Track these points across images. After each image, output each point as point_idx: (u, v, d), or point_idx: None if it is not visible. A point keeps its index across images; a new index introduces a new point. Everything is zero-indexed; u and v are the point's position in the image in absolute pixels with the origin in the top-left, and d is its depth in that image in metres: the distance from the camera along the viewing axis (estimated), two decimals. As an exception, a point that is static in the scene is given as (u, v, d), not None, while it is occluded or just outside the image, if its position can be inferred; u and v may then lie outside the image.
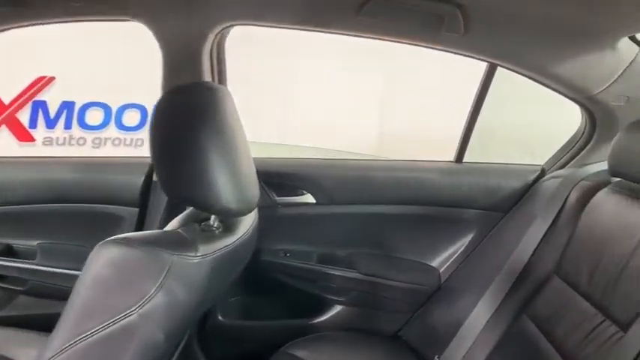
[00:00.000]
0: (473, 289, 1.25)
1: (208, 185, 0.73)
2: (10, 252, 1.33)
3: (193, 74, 1.13)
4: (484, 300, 1.18)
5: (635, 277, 0.87)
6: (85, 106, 2.46)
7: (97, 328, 0.60)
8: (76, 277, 0.66)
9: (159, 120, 0.76)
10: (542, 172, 1.40)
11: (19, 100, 2.36)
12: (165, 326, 0.70)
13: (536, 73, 1.18)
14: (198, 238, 0.76)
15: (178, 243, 0.73)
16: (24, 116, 2.40)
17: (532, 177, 1.39)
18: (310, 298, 1.43)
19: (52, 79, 2.36)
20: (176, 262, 0.69)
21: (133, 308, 0.63)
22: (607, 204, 1.04)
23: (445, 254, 1.44)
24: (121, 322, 0.61)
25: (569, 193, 1.16)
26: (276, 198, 1.39)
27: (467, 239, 1.43)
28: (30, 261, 1.31)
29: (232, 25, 1.14)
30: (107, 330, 0.60)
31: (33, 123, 2.41)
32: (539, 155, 1.46)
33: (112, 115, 2.48)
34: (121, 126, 2.50)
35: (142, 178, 1.30)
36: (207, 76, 1.16)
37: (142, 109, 2.46)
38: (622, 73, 1.12)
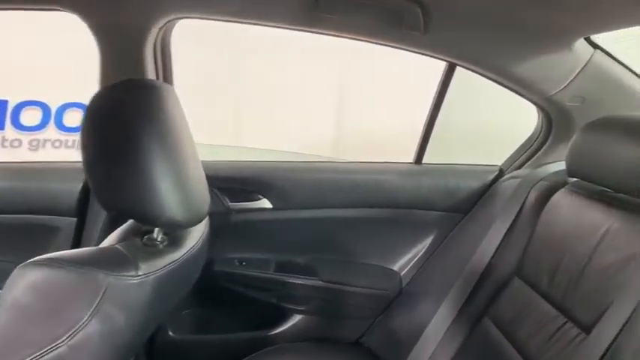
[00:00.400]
0: (434, 292, 1.24)
1: (150, 195, 0.66)
2: None
3: (134, 71, 1.04)
4: (446, 303, 1.17)
5: (595, 277, 0.87)
6: (20, 105, 2.27)
7: None
8: None
9: (91, 121, 0.67)
10: (501, 173, 1.40)
11: None
12: (102, 357, 0.61)
13: (495, 73, 1.17)
14: (140, 255, 0.68)
15: (116, 261, 0.64)
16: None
17: (490, 177, 1.39)
18: (268, 309, 1.37)
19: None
20: (113, 284, 0.60)
21: (62, 339, 0.55)
22: (565, 204, 1.04)
23: (406, 257, 1.42)
24: (48, 355, 0.53)
25: (527, 194, 1.16)
26: (230, 204, 1.31)
27: (427, 241, 1.41)
28: None
29: (178, 19, 1.06)
30: None
31: (-42, 124, 2.20)
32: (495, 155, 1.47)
33: (52, 115, 2.31)
34: (61, 127, 2.33)
35: (81, 185, 1.19)
36: (150, 74, 1.07)
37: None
38: (578, 74, 1.13)
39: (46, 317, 0.57)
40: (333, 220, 1.38)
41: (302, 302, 1.37)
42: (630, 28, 0.96)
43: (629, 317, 0.76)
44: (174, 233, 0.79)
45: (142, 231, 0.75)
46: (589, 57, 1.10)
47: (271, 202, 1.33)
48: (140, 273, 0.64)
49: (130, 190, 0.66)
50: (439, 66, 1.28)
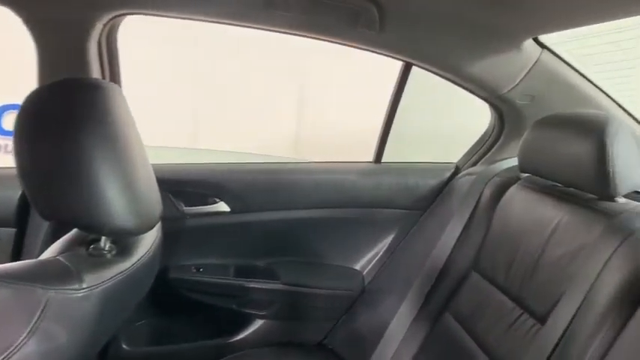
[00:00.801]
0: (396, 289, 1.24)
1: (95, 201, 0.61)
2: None
3: (77, 70, 0.98)
4: (407, 301, 1.18)
5: (548, 269, 0.89)
6: (-49, 107, 2.11)
7: None
8: None
9: (26, 123, 0.62)
10: (457, 170, 1.43)
11: None
12: None
13: (449, 72, 1.19)
14: (84, 266, 0.63)
15: (57, 274, 0.59)
16: None
17: (447, 175, 1.42)
18: (228, 315, 1.33)
19: None
20: (54, 299, 0.56)
21: None
22: (518, 199, 1.08)
23: (368, 256, 1.42)
24: None
25: (482, 190, 1.18)
26: (184, 208, 1.26)
27: (388, 239, 1.42)
28: None
29: (124, 15, 1.00)
30: None
31: None
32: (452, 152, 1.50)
33: (-11, 118, 2.16)
34: (0, 130, 2.18)
35: (20, 193, 1.11)
36: (95, 73, 1.01)
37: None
38: (527, 73, 1.16)
39: None
40: (294, 221, 1.36)
41: (263, 307, 1.34)
42: (575, 30, 1.01)
43: (580, 306, 0.78)
44: (124, 241, 0.74)
45: (87, 240, 0.70)
46: (537, 57, 1.14)
47: (228, 206, 1.29)
48: (84, 286, 0.59)
49: (71, 197, 0.61)
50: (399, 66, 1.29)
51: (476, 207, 1.18)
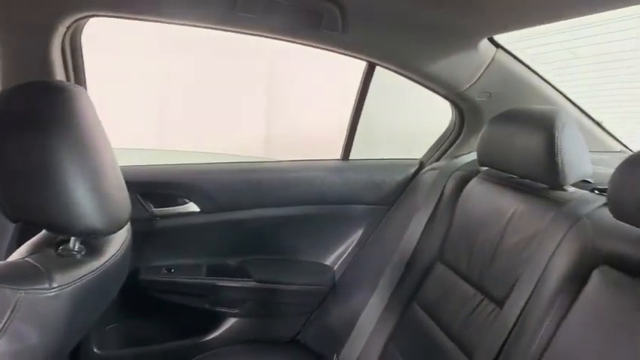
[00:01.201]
0: (366, 283, 1.27)
1: (64, 202, 0.62)
2: None
3: (40, 73, 0.96)
4: (377, 293, 1.21)
5: (506, 256, 0.94)
6: None
7: None
8: None
9: None
10: (421, 165, 1.48)
11: None
12: None
13: (410, 72, 1.24)
14: (54, 267, 0.62)
15: (26, 274, 0.59)
16: None
17: (412, 170, 1.46)
18: (201, 315, 1.33)
19: None
20: (24, 299, 0.56)
21: None
22: (478, 191, 1.13)
23: (338, 251, 1.45)
24: None
25: (445, 184, 1.23)
26: (154, 209, 1.26)
27: (357, 234, 1.46)
28: None
29: (88, 17, 1.00)
30: None
31: None
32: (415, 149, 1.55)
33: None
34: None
35: None
36: (59, 75, 1.00)
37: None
38: (484, 71, 1.22)
39: None
40: (264, 220, 1.38)
41: (236, 305, 1.35)
42: (527, 30, 1.07)
43: (534, 289, 0.84)
44: (93, 242, 0.74)
45: (56, 242, 0.70)
46: (493, 56, 1.20)
47: (198, 206, 1.30)
48: (55, 285, 0.59)
49: (39, 198, 0.61)
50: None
51: (439, 200, 1.23)
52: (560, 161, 0.89)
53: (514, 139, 0.99)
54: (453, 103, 1.37)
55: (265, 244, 1.40)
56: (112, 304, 1.25)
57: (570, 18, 0.99)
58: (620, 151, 1.37)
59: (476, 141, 1.13)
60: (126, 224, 0.79)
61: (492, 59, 1.20)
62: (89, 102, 0.71)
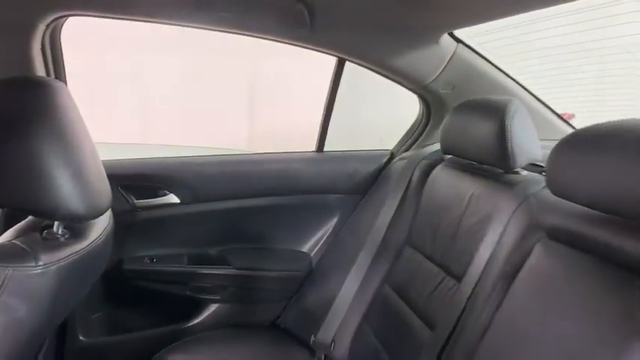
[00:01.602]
0: (341, 267, 1.33)
1: (48, 189, 0.66)
2: None
3: (21, 69, 1.00)
4: (350, 276, 1.27)
5: (464, 236, 1.02)
6: None
7: None
8: None
9: None
10: (392, 156, 1.55)
11: None
12: (4, 350, 0.62)
13: (378, 66, 1.30)
14: (40, 248, 0.67)
15: (14, 254, 0.64)
16: None
17: (384, 160, 1.53)
18: (183, 302, 1.38)
19: None
20: (12, 276, 0.61)
21: None
22: (442, 178, 1.20)
23: (314, 239, 1.51)
24: None
25: (412, 172, 1.30)
26: (135, 201, 1.31)
27: (332, 222, 1.52)
28: None
29: (66, 16, 1.04)
30: None
31: None
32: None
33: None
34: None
35: None
36: (39, 72, 1.04)
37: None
38: (446, 65, 1.29)
39: None
40: (243, 210, 1.43)
41: (217, 292, 1.40)
42: (486, 25, 1.13)
43: (486, 264, 0.91)
44: (76, 227, 0.79)
45: (41, 226, 0.75)
46: (454, 50, 1.27)
47: (178, 197, 1.34)
48: (40, 263, 0.64)
49: (24, 185, 0.66)
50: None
51: (407, 188, 1.30)
52: (510, 146, 0.96)
53: (471, 128, 1.06)
54: (420, 95, 1.44)
55: (244, 234, 1.45)
56: (97, 293, 1.31)
57: (524, 12, 1.05)
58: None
59: None
60: (106, 211, 0.84)
61: (454, 53, 1.27)
62: (69, 96, 0.75)
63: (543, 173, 0.99)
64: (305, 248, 1.51)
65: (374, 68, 1.30)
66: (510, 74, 1.34)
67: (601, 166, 0.67)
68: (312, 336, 1.26)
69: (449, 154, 1.20)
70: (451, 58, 1.28)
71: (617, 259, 0.67)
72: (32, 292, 0.65)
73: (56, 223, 0.73)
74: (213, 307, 1.41)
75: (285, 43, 1.17)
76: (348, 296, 1.26)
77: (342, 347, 1.24)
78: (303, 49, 1.23)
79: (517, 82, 1.35)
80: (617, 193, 0.65)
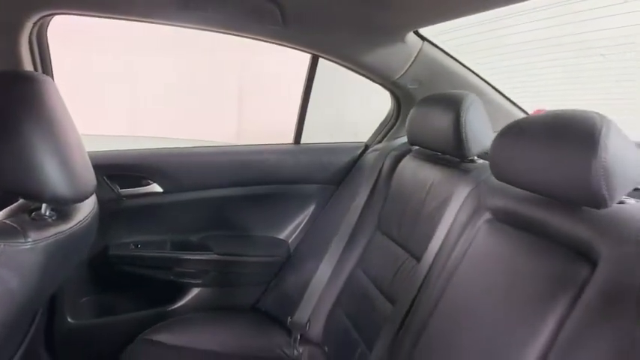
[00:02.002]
0: (316, 253, 1.40)
1: (37, 173, 0.73)
2: None
3: (9, 65, 1.06)
4: (325, 261, 1.35)
5: (425, 219, 1.10)
6: None
7: None
8: None
9: None
10: (366, 148, 1.62)
11: None
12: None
13: (349, 63, 1.37)
14: (29, 226, 0.74)
15: (5, 231, 0.71)
16: None
17: (358, 152, 1.60)
18: (167, 286, 1.45)
19: None
20: (4, 250, 0.68)
21: None
22: (408, 167, 1.28)
23: (292, 226, 1.59)
24: None
25: (383, 163, 1.38)
26: (120, 190, 1.36)
27: (309, 211, 1.59)
28: None
29: (52, 14, 1.10)
30: None
31: None
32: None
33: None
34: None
35: None
36: (27, 66, 1.10)
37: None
38: (413, 62, 1.36)
39: None
40: (223, 199, 1.49)
41: (199, 276, 1.46)
42: (449, 23, 1.19)
43: (441, 245, 1.00)
44: (63, 209, 0.85)
45: (30, 209, 0.81)
46: (420, 48, 1.34)
47: (161, 186, 1.40)
48: (29, 240, 0.71)
49: (15, 170, 0.72)
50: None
51: (378, 178, 1.38)
52: (464, 137, 1.04)
53: (432, 121, 1.14)
54: (390, 90, 1.51)
55: (225, 221, 1.52)
56: (84, 278, 1.37)
57: (483, 11, 1.10)
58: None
59: None
60: (91, 196, 0.91)
61: (420, 51, 1.34)
62: (56, 90, 0.82)
63: None
64: (283, 235, 1.58)
65: (346, 64, 1.37)
66: (475, 70, 1.42)
67: (535, 153, 0.75)
68: (289, 317, 1.33)
69: (414, 145, 1.28)
70: (417, 55, 1.35)
71: (551, 236, 0.76)
72: (22, 266, 0.72)
73: (44, 205, 0.80)
74: (195, 291, 1.47)
75: (260, 40, 1.24)
76: (322, 280, 1.34)
77: (317, 327, 1.32)
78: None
79: (480, 77, 1.43)
80: (550, 177, 0.73)
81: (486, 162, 1.09)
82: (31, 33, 1.09)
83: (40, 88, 0.77)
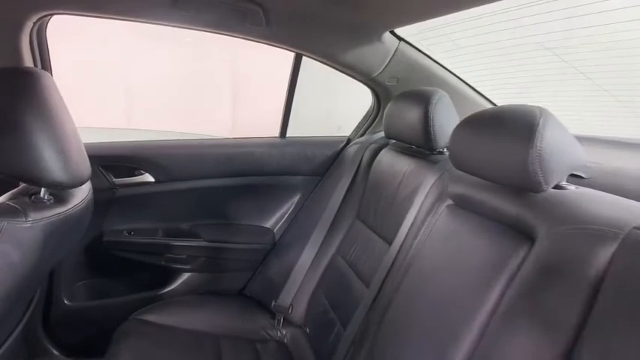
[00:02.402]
0: (300, 241, 1.48)
1: (36, 160, 0.80)
2: None
3: (12, 61, 1.13)
4: (307, 249, 1.43)
5: (397, 206, 1.18)
6: None
7: None
8: None
9: None
10: (349, 141, 1.70)
11: None
12: (2, 285, 0.76)
13: (331, 61, 1.44)
14: (29, 207, 0.81)
15: (8, 211, 0.78)
16: None
17: (341, 145, 1.68)
18: (159, 270, 1.52)
19: None
20: (7, 227, 0.75)
21: None
22: (385, 159, 1.37)
23: (277, 216, 1.66)
24: None
25: (362, 156, 1.47)
26: (114, 180, 1.43)
27: (294, 201, 1.67)
28: None
29: (51, 15, 1.17)
30: None
31: None
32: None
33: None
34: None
35: None
36: (28, 62, 1.17)
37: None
38: (390, 60, 1.44)
39: None
40: (212, 189, 1.56)
41: (188, 262, 1.53)
42: (424, 24, 1.27)
43: (409, 229, 1.08)
44: (60, 194, 0.93)
45: (30, 193, 0.89)
46: (396, 47, 1.42)
47: (153, 176, 1.47)
48: (30, 219, 0.79)
49: (17, 156, 0.79)
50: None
51: (357, 169, 1.46)
52: (432, 130, 1.13)
53: (404, 115, 1.22)
54: (370, 87, 1.59)
55: (213, 210, 1.59)
56: (80, 263, 1.45)
57: (455, 11, 1.15)
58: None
59: None
60: (86, 182, 0.99)
61: (396, 50, 1.42)
62: (54, 84, 0.89)
63: None
64: (269, 224, 1.65)
65: (327, 63, 1.44)
66: (449, 68, 1.50)
67: (485, 144, 0.83)
68: (273, 301, 1.41)
69: (390, 138, 1.36)
70: (394, 54, 1.42)
71: (500, 218, 0.84)
72: (23, 242, 0.79)
73: (42, 189, 0.88)
74: (185, 276, 1.55)
75: (245, 39, 1.31)
76: (305, 266, 1.42)
77: (299, 310, 1.40)
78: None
79: (452, 73, 1.51)
80: (497, 165, 0.81)
81: (453, 153, 1.18)
82: (31, 32, 1.16)
83: (40, 83, 0.84)
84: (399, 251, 1.08)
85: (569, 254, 0.67)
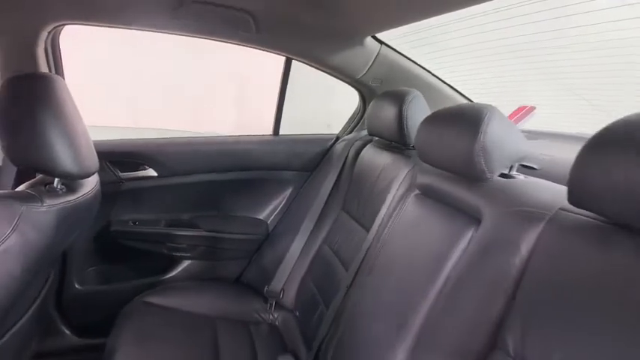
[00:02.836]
0: (291, 232, 1.59)
1: (50, 153, 0.90)
2: None
3: (29, 67, 1.25)
4: (297, 239, 1.54)
5: (376, 196, 1.28)
6: None
7: None
8: None
9: (2, 102, 0.93)
10: (337, 139, 1.80)
11: None
12: (21, 261, 0.88)
13: (317, 64, 1.55)
14: (44, 195, 0.93)
15: (26, 197, 0.89)
16: None
17: (330, 143, 1.78)
18: (161, 258, 1.63)
19: None
20: (26, 210, 0.86)
21: None
22: (367, 155, 1.47)
23: (270, 208, 1.77)
24: None
25: (348, 152, 1.57)
26: (120, 174, 1.54)
27: (286, 194, 1.77)
28: None
29: (63, 25, 1.29)
30: None
31: None
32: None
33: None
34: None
35: None
36: (43, 68, 1.29)
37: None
38: (373, 63, 1.54)
39: None
40: (211, 183, 1.67)
41: (188, 250, 1.64)
42: (402, 28, 1.36)
43: (383, 217, 1.19)
44: (71, 185, 1.04)
45: (44, 183, 1.01)
46: (378, 50, 1.52)
47: (156, 171, 1.58)
48: (45, 204, 0.90)
49: (34, 150, 0.90)
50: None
51: (344, 165, 1.57)
52: (406, 127, 1.24)
53: (383, 114, 1.32)
54: (356, 88, 1.70)
55: (212, 203, 1.70)
56: (90, 250, 1.57)
57: (432, 16, 1.22)
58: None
59: None
60: (94, 173, 1.10)
61: (378, 53, 1.52)
62: (66, 87, 1.00)
63: None
64: (263, 216, 1.76)
65: (315, 65, 1.55)
66: (429, 69, 1.60)
67: (443, 138, 0.94)
68: (266, 287, 1.52)
69: (372, 135, 1.47)
70: (376, 57, 1.53)
71: (455, 204, 0.95)
72: (39, 224, 0.91)
73: (56, 180, 1.00)
74: (185, 263, 1.66)
75: (236, 44, 1.43)
76: (295, 254, 1.53)
77: (289, 295, 1.51)
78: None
79: (431, 73, 1.61)
80: (452, 157, 0.92)
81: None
82: (46, 40, 1.28)
83: (54, 86, 0.95)
84: (374, 237, 1.19)
85: (506, 231, 0.78)
